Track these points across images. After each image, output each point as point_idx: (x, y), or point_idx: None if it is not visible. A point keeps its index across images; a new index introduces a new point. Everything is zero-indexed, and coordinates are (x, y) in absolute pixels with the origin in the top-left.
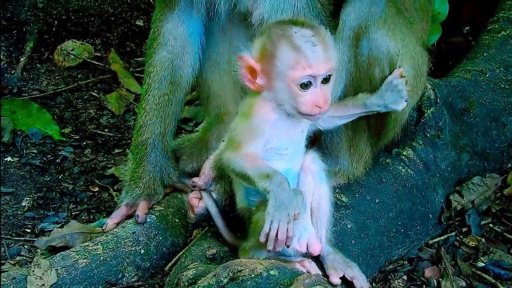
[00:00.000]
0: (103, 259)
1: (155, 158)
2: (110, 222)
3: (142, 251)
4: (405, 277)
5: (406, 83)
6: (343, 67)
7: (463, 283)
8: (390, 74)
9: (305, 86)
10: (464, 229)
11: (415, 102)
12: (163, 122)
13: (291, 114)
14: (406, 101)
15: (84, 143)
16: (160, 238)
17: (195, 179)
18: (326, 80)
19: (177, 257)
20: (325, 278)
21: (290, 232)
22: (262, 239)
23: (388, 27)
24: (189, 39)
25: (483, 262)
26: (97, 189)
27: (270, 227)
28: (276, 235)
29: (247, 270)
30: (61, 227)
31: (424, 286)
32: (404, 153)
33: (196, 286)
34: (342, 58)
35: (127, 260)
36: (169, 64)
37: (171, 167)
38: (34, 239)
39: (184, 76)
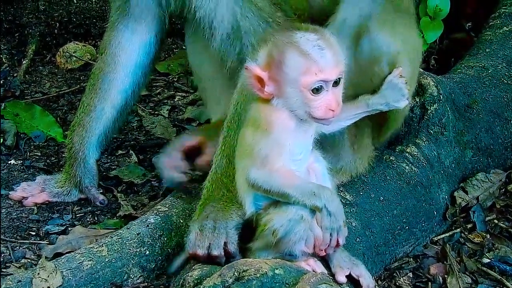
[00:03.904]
0: (108, 260)
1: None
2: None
3: (147, 252)
4: (410, 274)
5: (406, 82)
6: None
7: (469, 280)
8: (390, 72)
9: (316, 90)
10: (469, 226)
11: (413, 90)
12: (87, 131)
13: (303, 119)
14: (407, 98)
15: None
16: (165, 239)
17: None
18: (336, 83)
19: None
20: (330, 277)
21: (344, 235)
22: (320, 253)
23: (388, 25)
24: (124, 50)
25: (488, 258)
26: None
27: (330, 239)
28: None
29: (252, 269)
30: (66, 229)
31: (429, 283)
32: (408, 150)
33: (201, 287)
34: None
35: (132, 261)
36: (99, 73)
37: None
38: (39, 241)
39: (113, 87)
